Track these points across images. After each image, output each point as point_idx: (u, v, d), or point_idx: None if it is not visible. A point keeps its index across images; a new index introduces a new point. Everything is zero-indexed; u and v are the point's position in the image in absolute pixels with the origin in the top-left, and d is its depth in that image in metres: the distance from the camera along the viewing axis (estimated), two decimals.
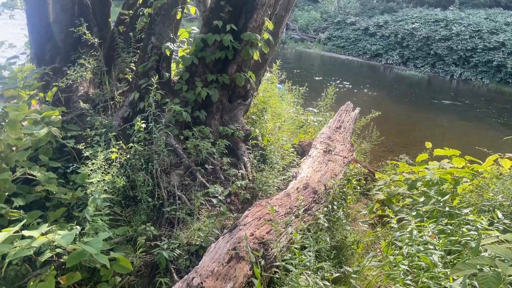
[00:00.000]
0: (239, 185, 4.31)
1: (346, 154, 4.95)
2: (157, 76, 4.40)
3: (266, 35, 5.20)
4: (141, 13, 5.00)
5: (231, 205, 4.25)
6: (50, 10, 5.26)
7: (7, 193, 3.66)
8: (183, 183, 4.34)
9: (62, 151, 4.47)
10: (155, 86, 4.29)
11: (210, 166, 4.57)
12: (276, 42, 5.78)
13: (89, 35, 4.94)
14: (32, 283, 2.93)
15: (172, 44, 4.82)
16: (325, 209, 3.78)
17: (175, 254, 3.46)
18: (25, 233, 2.77)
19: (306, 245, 3.09)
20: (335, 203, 3.90)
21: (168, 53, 4.79)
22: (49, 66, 5.01)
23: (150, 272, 3.45)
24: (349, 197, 4.15)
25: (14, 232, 2.78)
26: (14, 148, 3.94)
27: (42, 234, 2.87)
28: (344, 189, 4.10)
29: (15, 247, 2.86)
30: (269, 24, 5.19)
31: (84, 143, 3.96)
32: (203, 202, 4.09)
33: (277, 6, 5.74)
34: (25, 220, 2.99)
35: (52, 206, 3.88)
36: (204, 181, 4.38)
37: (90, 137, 4.38)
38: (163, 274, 3.41)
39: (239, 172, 4.59)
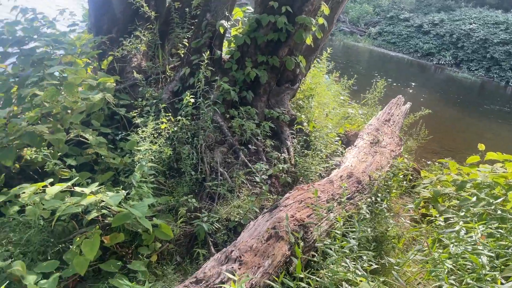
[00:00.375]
0: (280, 168, 4.29)
1: (393, 148, 4.80)
2: (208, 53, 4.41)
3: (321, 20, 5.09)
4: None
5: (271, 187, 4.24)
6: None
7: (59, 153, 3.82)
8: (226, 161, 4.38)
9: (112, 118, 4.62)
10: (206, 62, 4.31)
11: (253, 147, 4.57)
12: (330, 28, 5.65)
13: (147, 8, 5.03)
14: (78, 239, 3.06)
15: (226, 22, 4.82)
16: (369, 200, 3.70)
17: (214, 227, 3.50)
18: (77, 189, 2.88)
19: (347, 233, 3.03)
20: (379, 195, 3.80)
21: (222, 30, 4.80)
22: (106, 36, 5.15)
23: (189, 242, 3.52)
24: (393, 191, 4.03)
25: (65, 188, 2.89)
26: (69, 111, 4.10)
27: (92, 193, 2.98)
28: (389, 183, 3.98)
29: (65, 203, 2.99)
30: (325, 9, 5.08)
31: (136, 112, 4.06)
32: (244, 180, 4.11)
33: None
34: (76, 178, 3.10)
35: (100, 169, 4.03)
36: (246, 160, 4.39)
37: (141, 107, 4.49)
38: (201, 246, 3.46)
39: (281, 155, 4.56)
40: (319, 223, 3.14)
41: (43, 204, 3.03)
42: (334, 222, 3.17)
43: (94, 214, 3.14)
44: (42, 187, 2.94)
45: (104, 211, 3.19)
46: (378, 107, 7.17)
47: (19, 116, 4.24)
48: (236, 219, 3.64)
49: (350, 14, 28.41)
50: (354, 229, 3.00)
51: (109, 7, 5.35)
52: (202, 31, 4.85)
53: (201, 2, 5.09)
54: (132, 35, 5.23)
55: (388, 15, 27.05)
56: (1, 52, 4.57)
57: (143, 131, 3.72)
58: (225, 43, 5.27)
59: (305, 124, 5.10)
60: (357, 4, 29.42)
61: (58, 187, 2.84)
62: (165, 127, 3.90)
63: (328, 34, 5.90)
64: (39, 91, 3.95)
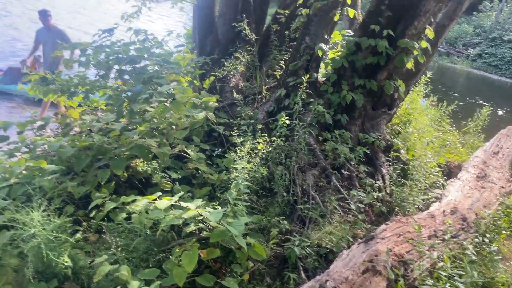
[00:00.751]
0: (375, 196, 4.13)
1: (503, 184, 4.37)
2: (307, 76, 4.44)
3: (424, 44, 4.87)
4: (299, 13, 5.13)
5: (365, 216, 4.09)
6: (216, 6, 5.75)
7: (163, 166, 4.08)
8: (317, 184, 4.33)
9: (210, 135, 4.84)
10: (305, 85, 4.34)
11: (346, 172, 4.47)
12: (433, 52, 5.38)
13: (248, 30, 5.23)
14: (177, 250, 3.21)
15: (325, 45, 4.83)
16: (475, 240, 3.39)
17: (305, 252, 3.46)
18: (183, 204, 3.04)
19: (453, 274, 2.80)
20: (487, 235, 3.47)
21: (320, 54, 4.81)
22: (209, 57, 5.45)
23: (279, 264, 3.51)
24: (503, 232, 3.66)
25: (174, 202, 3.06)
26: (174, 127, 4.38)
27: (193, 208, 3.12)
28: (499, 223, 3.62)
29: (168, 215, 3.17)
30: (429, 33, 4.85)
31: (236, 131, 4.21)
32: (336, 206, 4.02)
33: (439, 13, 5.34)
34: (181, 193, 3.27)
35: (197, 183, 4.22)
36: (338, 185, 4.30)
37: (237, 126, 4.65)
38: (291, 269, 3.44)
39: (376, 183, 4.40)
40: (420, 261, 2.95)
41: (148, 213, 3.25)
42: (437, 261, 2.95)
43: (192, 228, 3.29)
44: (153, 200, 3.14)
45: (201, 225, 3.32)
46: (481, 136, 6.63)
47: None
48: (327, 246, 3.56)
49: (447, 34, 26.89)
50: (460, 271, 2.77)
51: (213, 30, 5.68)
52: (300, 54, 4.91)
53: (300, 25, 5.17)
54: (232, 56, 5.47)
55: (490, 36, 25.13)
56: (118, 70, 5.04)
57: (241, 150, 3.83)
58: (322, 66, 5.27)
59: (402, 151, 4.87)
60: (456, 25, 27.77)
61: (167, 201, 3.03)
62: (262, 148, 3.98)
63: (431, 58, 5.62)
64: (150, 107, 4.28)
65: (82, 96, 5.23)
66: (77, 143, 4.27)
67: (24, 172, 3.88)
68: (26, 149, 4.29)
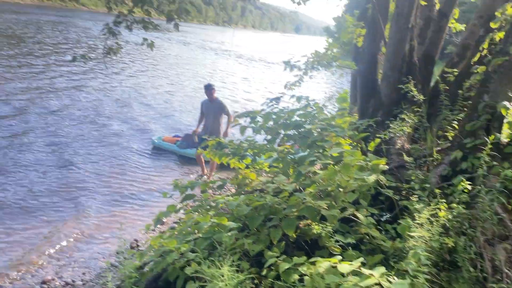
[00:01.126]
0: None
1: None
2: (492, 137, 4.02)
3: None
4: (473, 71, 4.80)
5: None
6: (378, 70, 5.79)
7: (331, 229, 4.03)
8: (511, 260, 3.71)
9: (375, 198, 4.66)
10: (489, 147, 3.93)
11: None
12: None
13: (415, 91, 5.08)
14: None
15: (508, 103, 4.37)
16: None
17: None
18: (364, 271, 2.91)
19: None
20: None
21: (504, 112, 4.35)
22: (372, 119, 5.42)
23: None
24: None
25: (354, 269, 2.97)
26: (341, 189, 4.36)
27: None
28: None
29: (346, 281, 3.05)
30: None
31: (414, 196, 3.99)
32: None
33: None
34: (362, 258, 3.15)
35: (366, 249, 4.03)
36: None
37: (406, 190, 4.39)
38: None
39: None
40: None
41: (322, 278, 3.19)
42: None
43: None
44: (334, 263, 3.10)
45: None
46: None
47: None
48: None
49: None
50: None
51: (375, 93, 5.68)
52: (478, 113, 4.52)
53: (475, 83, 4.81)
54: (396, 118, 5.33)
55: None
56: (285, 135, 5.36)
57: (419, 217, 3.57)
58: (505, 125, 4.74)
59: None
60: None
61: (348, 266, 2.95)
62: (443, 215, 3.64)
63: None
64: (318, 170, 4.38)
65: (250, 159, 5.68)
66: (247, 201, 4.56)
67: (205, 227, 4.28)
68: (207, 207, 4.76)
